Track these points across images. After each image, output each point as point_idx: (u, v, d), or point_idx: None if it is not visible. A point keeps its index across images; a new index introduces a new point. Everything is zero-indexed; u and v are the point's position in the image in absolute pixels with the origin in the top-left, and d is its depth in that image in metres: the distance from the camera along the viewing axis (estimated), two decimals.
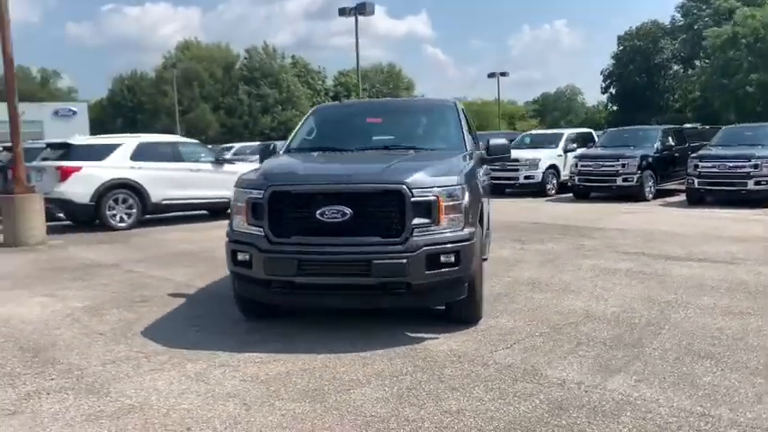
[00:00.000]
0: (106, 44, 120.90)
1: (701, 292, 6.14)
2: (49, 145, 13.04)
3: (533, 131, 25.28)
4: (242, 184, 5.00)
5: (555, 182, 18.26)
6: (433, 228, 4.61)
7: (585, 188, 16.49)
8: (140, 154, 12.02)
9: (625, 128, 20.79)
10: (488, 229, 7.68)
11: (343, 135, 6.36)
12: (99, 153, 11.78)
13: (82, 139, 13.23)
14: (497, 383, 3.89)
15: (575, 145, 18.64)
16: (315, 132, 6.52)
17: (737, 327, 4.98)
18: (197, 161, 12.87)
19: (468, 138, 5.98)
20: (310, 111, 6.97)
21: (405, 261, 4.49)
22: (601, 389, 3.78)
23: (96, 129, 76.59)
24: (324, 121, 6.73)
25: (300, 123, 6.66)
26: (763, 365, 4.12)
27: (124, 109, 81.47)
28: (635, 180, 15.70)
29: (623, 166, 15.78)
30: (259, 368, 4.26)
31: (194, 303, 6.12)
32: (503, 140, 6.27)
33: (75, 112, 64.59)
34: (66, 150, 11.87)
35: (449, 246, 4.63)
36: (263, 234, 4.71)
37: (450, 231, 4.67)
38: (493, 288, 6.43)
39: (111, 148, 11.95)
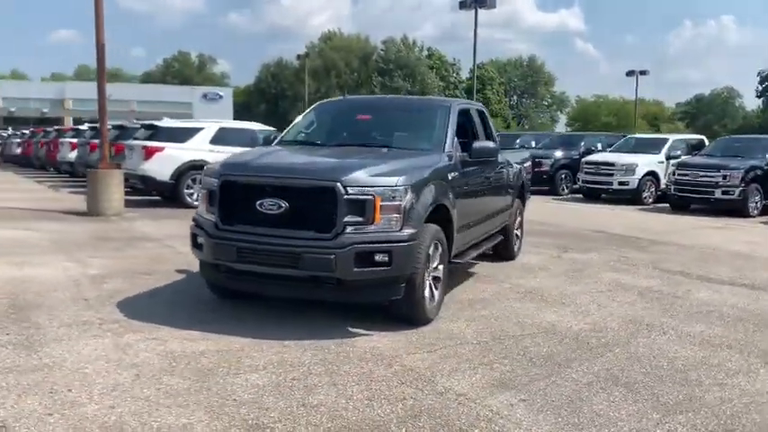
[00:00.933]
0: (262, 32, 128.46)
1: (701, 318, 5.70)
2: (142, 125, 14.19)
3: (638, 135, 23.83)
4: (206, 172, 5.30)
5: (653, 190, 17.21)
6: (366, 226, 4.64)
7: (682, 199, 15.42)
8: (220, 138, 12.79)
9: (738, 136, 19.13)
10: (516, 231, 7.56)
11: (331, 130, 6.54)
12: (182, 135, 12.69)
13: (168, 122, 14.27)
14: (380, 385, 3.91)
15: (679, 152, 17.44)
16: (309, 126, 6.72)
17: (696, 358, 4.61)
18: None
19: (449, 140, 5.88)
20: (313, 105, 7.17)
21: (332, 257, 4.57)
22: (476, 403, 3.69)
23: (241, 113, 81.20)
24: (321, 115, 6.90)
25: (302, 116, 6.87)
26: (675, 401, 3.82)
27: (268, 95, 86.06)
28: (737, 194, 14.47)
29: (724, 177, 14.60)
30: (181, 345, 4.53)
31: (192, 280, 6.51)
32: (487, 144, 6.11)
33: (221, 96, 69.11)
34: (154, 132, 12.90)
35: (382, 245, 4.65)
36: (213, 220, 4.98)
37: (386, 231, 4.69)
38: (480, 293, 6.33)
39: (193, 132, 12.83)
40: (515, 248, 8.19)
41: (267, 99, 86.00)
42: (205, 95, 68.24)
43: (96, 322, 5.01)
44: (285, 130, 6.72)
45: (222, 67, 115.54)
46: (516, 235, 8.36)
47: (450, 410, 3.58)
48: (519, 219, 8.44)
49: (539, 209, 14.66)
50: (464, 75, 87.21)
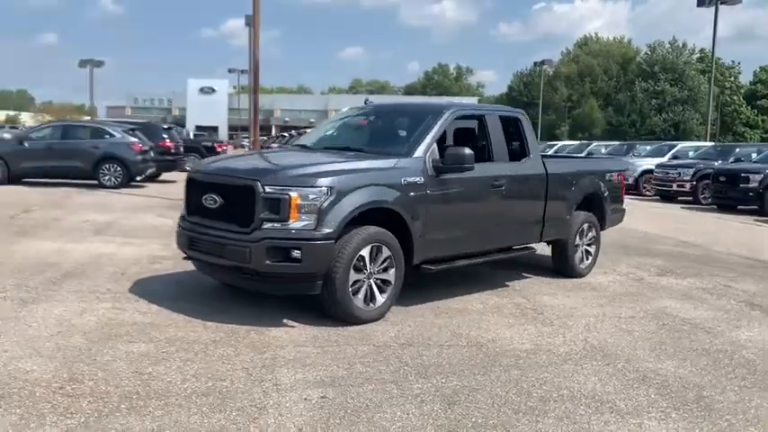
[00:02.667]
0: (530, 41, 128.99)
1: (702, 357, 4.99)
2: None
3: None
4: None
5: None
6: (282, 223, 5.00)
7: None
8: None
9: None
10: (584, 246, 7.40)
11: (334, 135, 6.92)
12: None
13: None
14: (220, 366, 4.27)
15: None
16: (324, 131, 7.15)
17: (613, 386, 4.16)
18: None
19: (423, 145, 5.85)
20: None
21: (247, 249, 5.02)
22: (279, 393, 3.88)
23: None
24: (339, 120, 7.27)
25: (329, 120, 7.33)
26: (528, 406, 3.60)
27: (518, 104, 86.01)
28: None
29: None
30: (130, 316, 5.32)
31: None
32: (461, 150, 5.91)
33: None
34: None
35: (293, 242, 4.96)
36: (182, 212, 5.75)
37: (301, 229, 4.98)
38: (467, 303, 6.20)
39: None
40: (578, 265, 7.64)
41: (517, 107, 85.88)
42: None
43: (100, 292, 6.03)
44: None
45: (481, 77, 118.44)
46: (586, 251, 7.79)
47: (233, 393, 3.81)
48: (591, 234, 7.84)
49: (712, 229, 13.11)
50: (746, 78, 77.68)
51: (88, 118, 44.73)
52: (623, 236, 10.79)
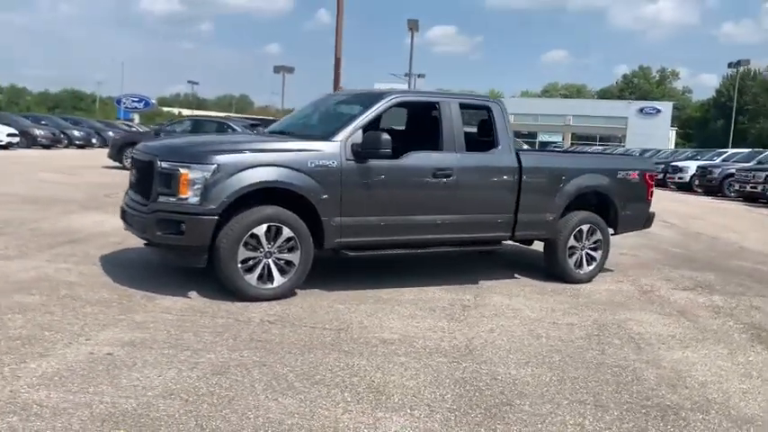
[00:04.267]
0: (761, 42, 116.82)
1: (581, 369, 4.54)
2: None
3: None
4: None
5: None
6: (174, 197, 5.32)
7: None
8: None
9: None
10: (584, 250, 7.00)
11: (291, 122, 7.09)
12: None
13: None
14: (77, 317, 4.69)
15: None
16: (290, 117, 7.34)
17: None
18: None
19: (348, 129, 5.78)
20: None
21: (144, 221, 5.43)
22: (77, 344, 4.21)
23: (695, 128, 75.52)
24: (306, 107, 7.38)
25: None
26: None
27: (727, 110, 78.25)
28: None
29: None
30: (75, 277, 5.96)
31: None
32: (377, 135, 5.70)
33: (659, 111, 65.96)
34: None
35: (177, 215, 5.27)
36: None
37: (186, 203, 5.27)
38: (417, 295, 6.08)
39: None
40: (574, 269, 7.04)
41: (726, 114, 78.24)
42: (641, 110, 66.15)
43: (76, 256, 6.79)
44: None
45: (700, 80, 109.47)
46: (587, 255, 7.17)
47: (46, 338, 4.19)
48: (594, 237, 7.19)
49: None
50: None
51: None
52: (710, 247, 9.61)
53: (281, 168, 5.45)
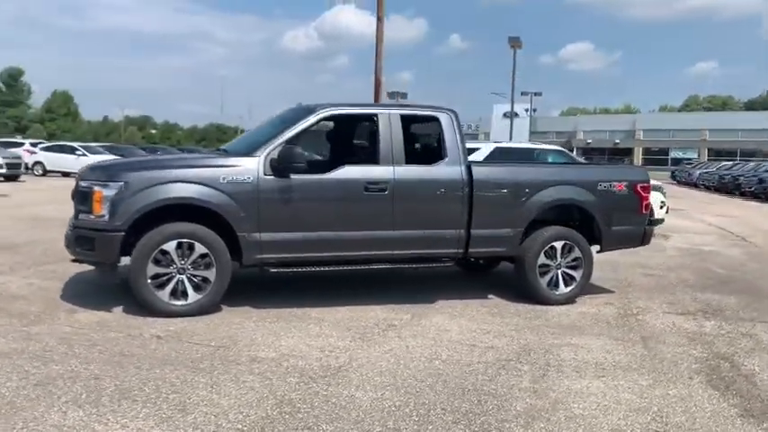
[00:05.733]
0: None
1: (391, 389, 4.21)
2: None
3: None
4: None
5: None
6: (90, 215, 5.54)
7: None
8: (494, 158, 12.98)
9: None
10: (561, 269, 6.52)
11: (240, 139, 7.14)
12: None
13: None
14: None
15: None
16: (244, 135, 7.38)
17: None
18: None
19: (270, 145, 5.70)
20: None
21: (68, 237, 5.69)
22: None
23: None
24: (260, 124, 7.39)
25: None
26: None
27: None
28: None
29: None
30: (22, 287, 6.38)
31: None
32: (290, 149, 5.55)
33: None
34: None
35: (87, 232, 5.48)
36: None
37: (97, 220, 5.46)
38: (347, 313, 5.94)
39: (470, 151, 13.37)
40: (546, 288, 6.50)
41: None
42: None
43: (59, 271, 7.24)
44: None
45: None
46: (565, 274, 6.62)
47: None
48: (572, 254, 6.62)
49: None
50: None
51: None
52: None
53: (191, 185, 5.49)
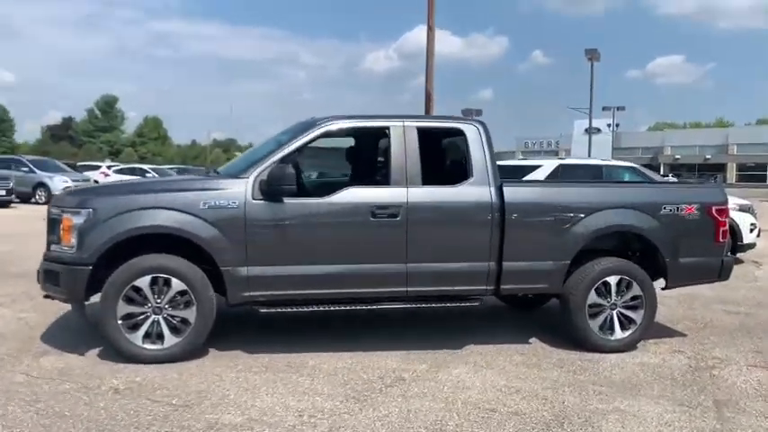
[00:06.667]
0: None
1: None
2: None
3: None
4: None
5: None
6: (60, 245, 4.91)
7: None
8: (558, 174, 11.84)
9: None
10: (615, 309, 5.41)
11: (238, 159, 6.40)
12: (519, 172, 12.31)
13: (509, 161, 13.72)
14: None
15: None
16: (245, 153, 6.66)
17: None
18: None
19: (260, 166, 4.92)
20: None
21: (39, 271, 5.08)
22: None
23: None
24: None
25: None
26: None
27: None
28: None
29: None
30: (16, 338, 5.85)
31: None
32: (280, 169, 4.73)
33: None
34: None
35: (53, 265, 4.85)
36: None
37: (64, 252, 4.83)
38: (343, 363, 5.08)
39: (530, 169, 12.26)
40: (597, 333, 5.38)
41: None
42: None
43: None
44: None
45: None
46: (622, 316, 5.51)
47: None
48: (631, 292, 5.50)
49: None
50: None
51: None
52: None
53: (166, 211, 4.77)
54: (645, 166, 16.43)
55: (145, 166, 31.16)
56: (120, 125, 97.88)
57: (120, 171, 30.47)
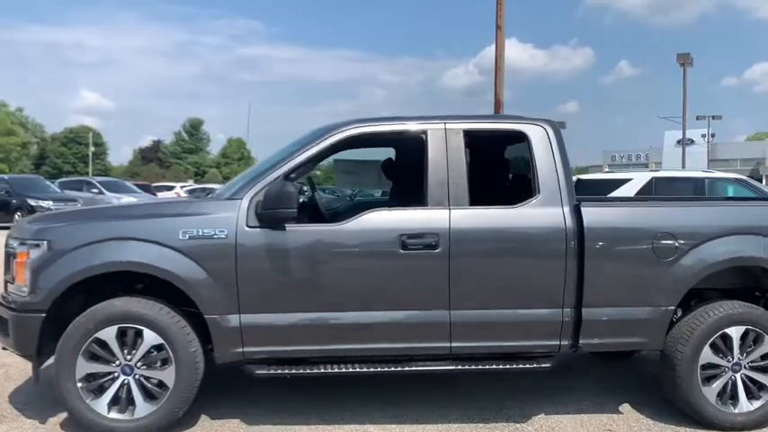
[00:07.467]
0: None
1: None
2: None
3: None
4: None
5: None
6: (13, 285, 3.97)
7: None
8: (651, 189, 10.26)
9: None
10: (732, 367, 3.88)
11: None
12: (606, 187, 10.80)
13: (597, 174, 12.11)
14: None
15: None
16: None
17: None
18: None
19: (256, 186, 3.83)
20: None
21: None
22: None
23: None
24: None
25: None
26: None
27: None
28: None
29: None
30: None
31: None
32: (283, 186, 3.59)
33: None
34: (576, 184, 11.45)
35: (5, 310, 3.89)
36: None
37: (16, 294, 3.87)
38: None
39: (619, 183, 10.72)
40: (713, 404, 3.95)
41: None
42: None
43: None
44: None
45: None
46: (748, 379, 4.06)
47: None
48: (761, 348, 4.06)
49: None
50: None
51: None
52: None
53: (135, 242, 3.72)
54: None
55: (215, 186, 31.04)
56: (205, 147, 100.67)
57: (192, 191, 30.45)
